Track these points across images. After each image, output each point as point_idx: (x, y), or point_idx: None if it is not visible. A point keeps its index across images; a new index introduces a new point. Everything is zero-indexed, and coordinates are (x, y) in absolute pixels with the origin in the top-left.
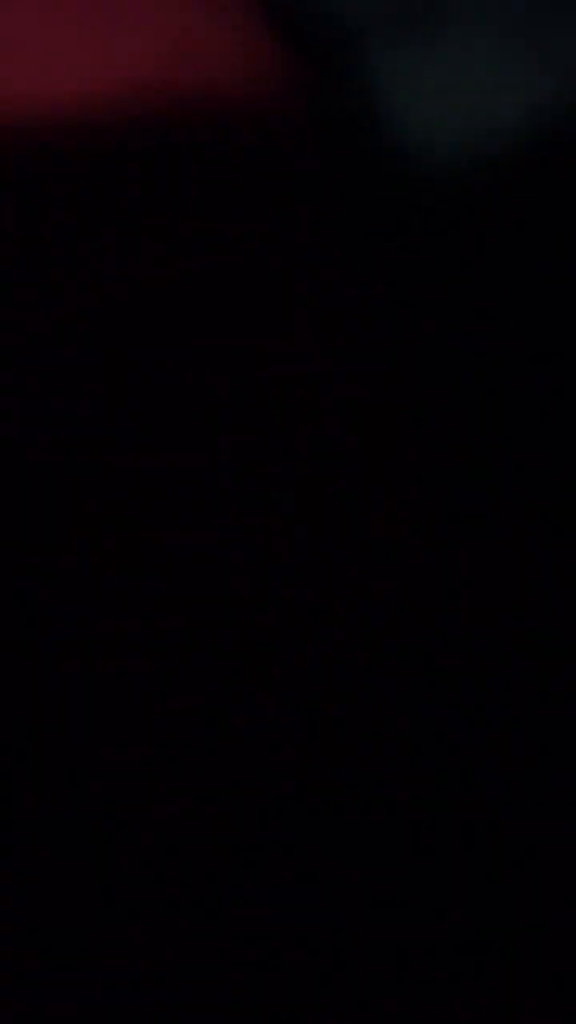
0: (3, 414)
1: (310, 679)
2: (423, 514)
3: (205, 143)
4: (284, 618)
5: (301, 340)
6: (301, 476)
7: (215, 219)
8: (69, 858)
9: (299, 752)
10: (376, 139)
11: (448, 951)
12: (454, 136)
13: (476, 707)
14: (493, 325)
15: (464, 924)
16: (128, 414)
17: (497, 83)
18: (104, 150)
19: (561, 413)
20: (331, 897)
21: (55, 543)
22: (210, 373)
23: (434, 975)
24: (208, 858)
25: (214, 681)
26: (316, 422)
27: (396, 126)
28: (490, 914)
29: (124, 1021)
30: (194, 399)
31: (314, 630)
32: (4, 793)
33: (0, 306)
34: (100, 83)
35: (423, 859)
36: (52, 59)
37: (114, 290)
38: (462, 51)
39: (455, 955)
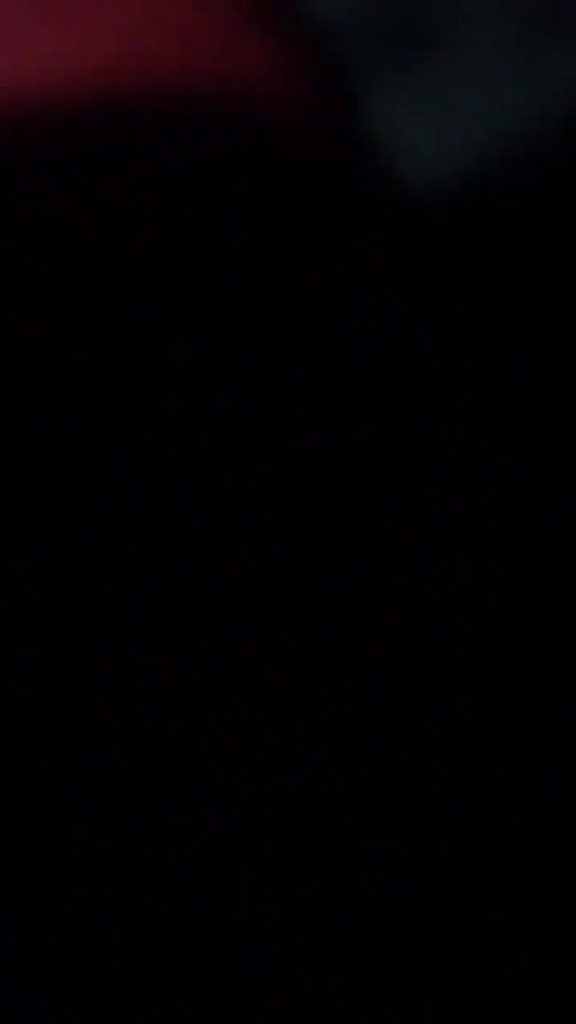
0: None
1: (308, 681)
2: (422, 525)
3: (177, 142)
4: (282, 621)
5: (296, 355)
6: (300, 486)
7: (183, 226)
8: (65, 865)
9: (297, 755)
10: (372, 156)
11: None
12: (451, 154)
13: (476, 711)
14: (494, 342)
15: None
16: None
17: (493, 100)
18: (62, 143)
19: (564, 429)
20: (331, 904)
21: (53, 544)
22: (203, 383)
23: (434, 984)
24: (206, 862)
25: (213, 683)
26: (313, 437)
27: (392, 145)
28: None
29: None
30: (189, 408)
31: (312, 630)
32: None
33: None
34: (63, 70)
35: (422, 863)
36: (11, 43)
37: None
38: (457, 69)
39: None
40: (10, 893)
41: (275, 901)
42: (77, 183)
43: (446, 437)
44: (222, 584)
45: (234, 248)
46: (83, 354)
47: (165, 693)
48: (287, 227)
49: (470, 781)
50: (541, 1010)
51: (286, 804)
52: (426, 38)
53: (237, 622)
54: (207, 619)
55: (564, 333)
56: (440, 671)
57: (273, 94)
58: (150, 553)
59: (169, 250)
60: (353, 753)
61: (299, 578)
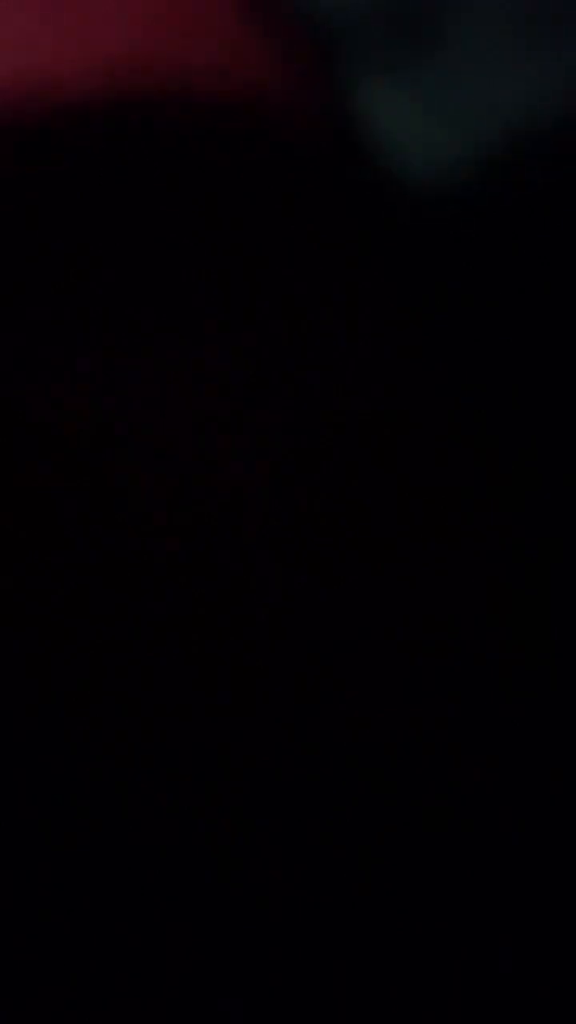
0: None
1: (308, 682)
2: (421, 522)
3: (175, 136)
4: (282, 620)
5: (294, 353)
6: (300, 486)
7: (185, 218)
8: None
9: (297, 755)
10: (370, 152)
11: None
12: (451, 149)
13: (476, 711)
14: (493, 333)
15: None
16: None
17: (493, 96)
18: (66, 138)
19: (563, 423)
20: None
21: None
22: (200, 381)
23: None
24: (206, 870)
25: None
26: (311, 436)
27: (391, 140)
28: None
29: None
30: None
31: (312, 630)
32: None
33: None
34: (67, 68)
35: (422, 862)
36: (16, 43)
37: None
38: (457, 64)
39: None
40: (10, 892)
41: (275, 900)
42: (74, 181)
43: (445, 436)
44: (223, 584)
45: (231, 245)
46: (81, 349)
47: (165, 693)
48: (284, 224)
49: (470, 780)
50: (541, 1010)
51: (286, 803)
52: (426, 33)
53: (237, 622)
54: (208, 619)
55: (564, 328)
56: (440, 672)
57: (272, 91)
58: (151, 552)
59: (165, 248)
60: (353, 753)
61: (299, 578)
